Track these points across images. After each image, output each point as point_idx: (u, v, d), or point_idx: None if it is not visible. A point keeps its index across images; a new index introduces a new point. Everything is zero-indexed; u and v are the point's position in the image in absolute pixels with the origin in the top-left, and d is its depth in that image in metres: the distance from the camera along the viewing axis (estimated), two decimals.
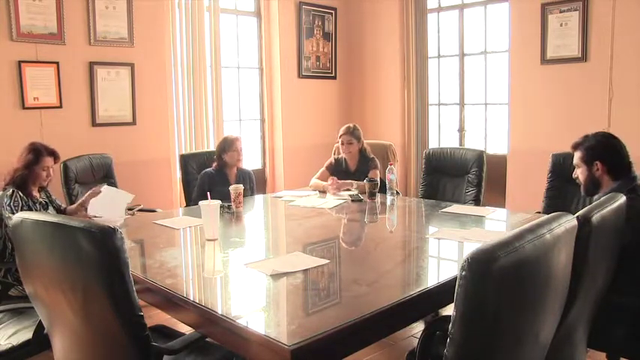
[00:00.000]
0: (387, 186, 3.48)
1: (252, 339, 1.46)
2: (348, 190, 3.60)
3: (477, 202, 3.54)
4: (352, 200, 3.39)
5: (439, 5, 5.64)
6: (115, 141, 4.35)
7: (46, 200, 2.96)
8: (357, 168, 3.82)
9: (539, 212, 3.08)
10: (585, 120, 4.30)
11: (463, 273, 1.12)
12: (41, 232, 1.55)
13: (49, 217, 1.66)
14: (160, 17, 4.61)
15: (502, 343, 1.22)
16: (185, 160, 3.96)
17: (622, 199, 1.77)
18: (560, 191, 3.15)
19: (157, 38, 4.61)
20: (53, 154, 2.89)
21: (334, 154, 4.08)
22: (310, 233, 2.70)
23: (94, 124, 4.30)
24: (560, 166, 3.14)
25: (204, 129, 4.97)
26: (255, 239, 2.76)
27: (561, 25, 4.45)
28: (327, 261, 2.05)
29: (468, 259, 1.12)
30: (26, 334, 2.11)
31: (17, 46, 3.88)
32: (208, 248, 2.37)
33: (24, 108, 3.93)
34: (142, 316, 1.50)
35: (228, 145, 3.66)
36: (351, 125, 3.87)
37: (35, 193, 2.87)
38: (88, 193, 3.03)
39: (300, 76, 5.72)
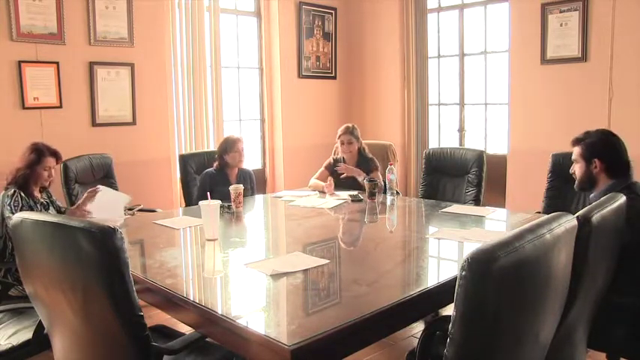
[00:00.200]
0: (387, 186, 3.49)
1: (252, 339, 1.46)
2: (354, 178, 3.69)
3: (477, 202, 3.55)
4: (352, 200, 3.39)
5: (439, 5, 5.64)
6: (115, 141, 4.35)
7: (47, 201, 2.95)
8: (356, 167, 3.83)
9: (539, 212, 3.08)
10: (585, 120, 4.29)
11: (463, 273, 1.12)
12: (41, 232, 1.55)
13: (49, 217, 1.66)
14: (160, 17, 4.61)
15: (502, 343, 1.22)
16: (184, 160, 3.96)
17: (622, 199, 1.77)
18: (560, 191, 3.15)
19: (157, 38, 4.61)
20: (55, 155, 2.89)
21: (334, 154, 4.09)
22: (310, 233, 2.70)
23: (94, 124, 4.31)
24: (560, 166, 3.14)
25: (204, 129, 4.97)
26: (255, 239, 2.76)
27: (561, 25, 4.44)
28: (327, 261, 2.05)
29: (468, 259, 1.12)
30: (26, 334, 2.11)
31: (17, 46, 3.88)
32: (208, 248, 2.37)
33: (24, 108, 3.93)
34: (142, 316, 1.50)
35: (229, 146, 3.65)
36: (350, 125, 3.89)
37: (37, 194, 2.87)
38: (85, 195, 3.02)
39: (300, 76, 5.72)
